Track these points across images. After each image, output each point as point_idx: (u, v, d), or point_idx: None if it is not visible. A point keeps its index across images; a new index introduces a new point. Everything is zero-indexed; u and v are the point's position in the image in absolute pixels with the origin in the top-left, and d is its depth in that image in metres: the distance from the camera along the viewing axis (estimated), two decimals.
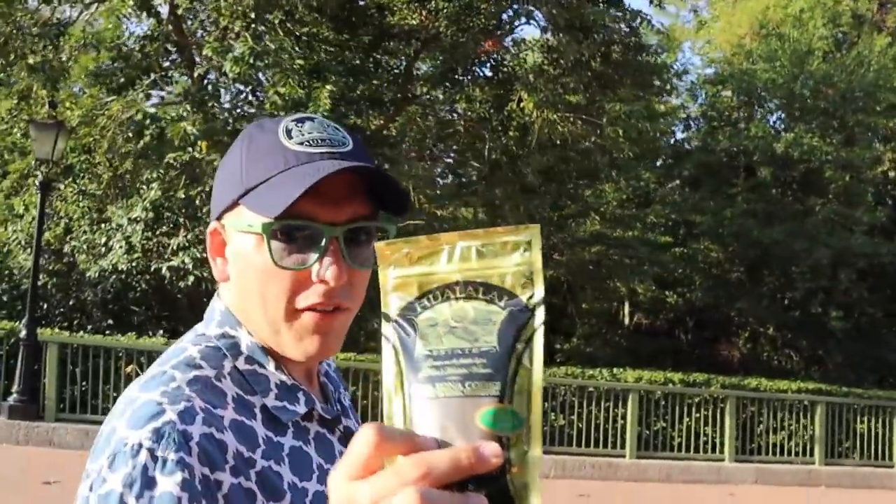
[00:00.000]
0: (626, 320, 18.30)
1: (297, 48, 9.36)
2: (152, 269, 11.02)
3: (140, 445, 0.76)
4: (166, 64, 10.56)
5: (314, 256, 0.84)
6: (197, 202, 10.71)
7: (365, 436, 0.48)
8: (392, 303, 0.54)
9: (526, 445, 0.50)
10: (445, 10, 10.04)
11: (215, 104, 9.74)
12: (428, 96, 12.04)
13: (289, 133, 0.87)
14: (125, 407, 0.81)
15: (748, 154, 16.11)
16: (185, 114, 9.62)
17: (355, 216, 0.86)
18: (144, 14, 9.69)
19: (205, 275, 10.11)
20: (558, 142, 11.23)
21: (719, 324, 17.34)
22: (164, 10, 9.98)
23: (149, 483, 0.74)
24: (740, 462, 10.40)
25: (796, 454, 10.81)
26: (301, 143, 0.86)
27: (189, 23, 10.74)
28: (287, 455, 0.85)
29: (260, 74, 9.85)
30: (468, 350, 0.51)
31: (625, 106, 12.04)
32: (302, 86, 8.81)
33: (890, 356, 15.17)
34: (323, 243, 0.84)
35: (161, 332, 10.89)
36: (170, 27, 9.94)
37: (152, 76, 9.83)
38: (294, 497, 0.83)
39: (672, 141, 18.10)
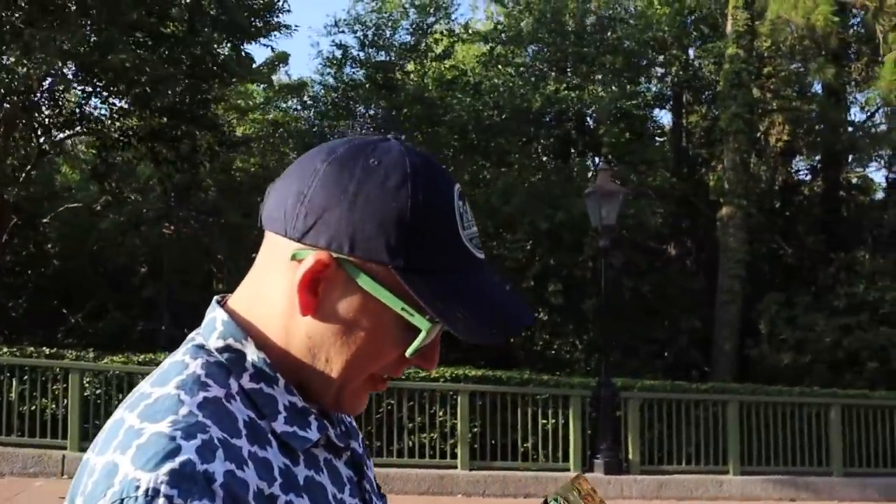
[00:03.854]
0: None
1: None
2: None
3: (157, 492, 0.66)
4: None
5: (427, 347, 0.80)
6: None
7: None
8: None
9: None
10: None
11: None
12: None
13: (462, 218, 0.78)
14: (126, 438, 0.71)
15: None
16: None
17: None
18: None
19: None
20: None
21: None
22: None
23: None
24: None
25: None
26: (470, 240, 0.79)
27: None
28: (303, 486, 0.78)
29: None
30: None
31: None
32: None
33: None
34: (437, 335, 0.80)
35: None
36: None
37: None
38: None
39: None
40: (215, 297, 0.86)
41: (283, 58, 16.33)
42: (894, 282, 12.87)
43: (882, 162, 16.75)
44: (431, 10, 15.51)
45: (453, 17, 16.23)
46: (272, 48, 13.80)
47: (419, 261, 0.75)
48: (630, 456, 9.88)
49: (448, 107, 13.42)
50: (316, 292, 0.77)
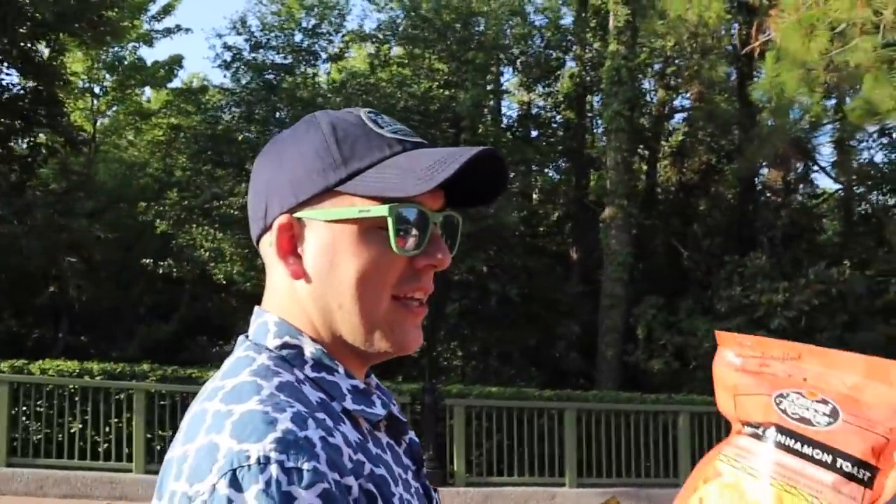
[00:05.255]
0: None
1: None
2: None
3: (268, 458, 0.69)
4: None
5: (423, 242, 0.83)
6: None
7: None
8: None
9: None
10: None
11: None
12: None
13: (376, 123, 0.86)
14: (216, 421, 0.74)
15: None
16: None
17: (444, 205, 0.87)
18: None
19: None
20: None
21: None
22: None
23: (288, 499, 0.68)
24: None
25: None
26: (395, 133, 0.85)
27: None
28: (376, 459, 0.82)
29: None
30: None
31: None
32: None
33: None
34: (429, 230, 0.83)
35: None
36: None
37: None
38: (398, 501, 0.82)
39: None
40: (257, 306, 0.90)
41: (177, 60, 16.05)
42: (773, 283, 12.36)
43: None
44: (317, 12, 15.16)
45: (348, 18, 15.85)
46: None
47: (348, 166, 0.82)
48: (455, 467, 9.43)
49: (317, 108, 13.04)
50: (298, 255, 0.85)
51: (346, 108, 0.89)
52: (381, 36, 14.72)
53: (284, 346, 0.84)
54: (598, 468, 9.81)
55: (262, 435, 0.70)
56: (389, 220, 0.80)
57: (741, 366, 1.12)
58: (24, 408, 9.13)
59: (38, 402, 9.16)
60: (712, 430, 9.94)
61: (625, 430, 9.85)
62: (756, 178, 16.49)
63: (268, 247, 0.86)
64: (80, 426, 9.15)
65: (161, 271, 15.39)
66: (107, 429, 9.21)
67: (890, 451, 0.98)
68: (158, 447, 9.23)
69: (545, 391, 10.39)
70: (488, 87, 14.18)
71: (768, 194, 15.22)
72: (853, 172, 15.43)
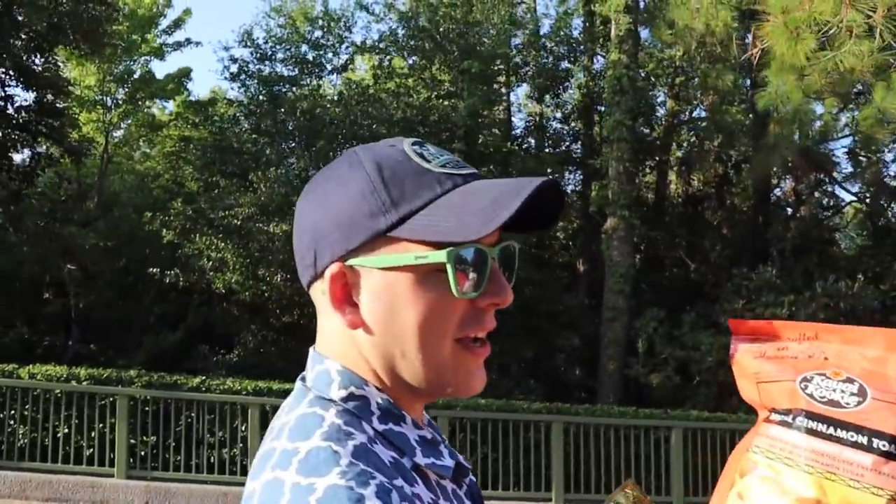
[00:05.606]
0: None
1: None
2: None
3: None
4: None
5: (482, 281, 0.80)
6: None
7: None
8: None
9: None
10: None
11: None
12: None
13: (422, 157, 0.82)
14: (296, 497, 0.71)
15: None
16: None
17: (500, 236, 0.83)
18: None
19: None
20: None
21: None
22: None
23: None
24: None
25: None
26: (443, 166, 0.81)
27: None
28: None
29: None
30: None
31: None
32: None
33: None
34: (488, 267, 0.80)
35: None
36: None
37: None
38: None
39: None
40: (312, 349, 0.88)
41: (185, 73, 16.31)
42: (779, 297, 11.99)
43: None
44: (322, 24, 15.27)
45: (354, 30, 15.91)
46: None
47: (399, 209, 0.78)
48: None
49: (318, 119, 13.08)
50: (354, 303, 0.81)
51: (388, 141, 0.84)
52: (382, 47, 14.76)
53: (350, 396, 0.82)
54: (587, 483, 9.55)
55: None
56: (448, 266, 0.77)
57: (760, 352, 1.11)
58: (12, 411, 9.23)
59: (26, 406, 9.25)
60: (706, 446, 9.63)
61: (615, 445, 9.59)
62: (773, 190, 16.13)
63: (320, 295, 0.83)
64: (67, 430, 9.21)
65: (168, 280, 15.57)
66: (92, 433, 9.26)
67: None
68: (142, 453, 9.25)
69: (535, 403, 10.18)
70: (492, 98, 14.07)
71: (782, 206, 14.84)
72: (870, 184, 14.96)
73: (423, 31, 13.46)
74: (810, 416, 1.02)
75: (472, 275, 0.79)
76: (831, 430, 1.00)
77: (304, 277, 0.85)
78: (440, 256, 0.77)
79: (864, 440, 0.97)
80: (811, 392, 1.03)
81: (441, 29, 13.42)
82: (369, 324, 0.81)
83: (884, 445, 0.97)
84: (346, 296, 0.81)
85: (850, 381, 1.02)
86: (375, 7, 15.34)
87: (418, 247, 0.78)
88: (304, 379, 0.86)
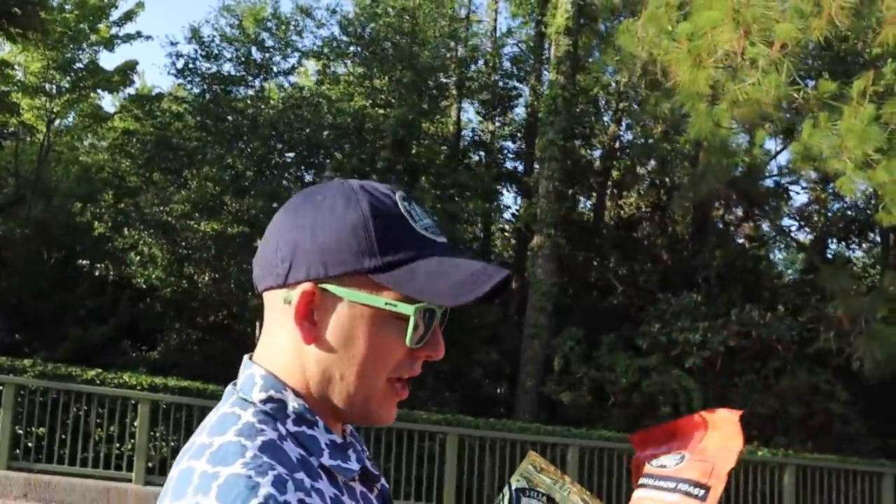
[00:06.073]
0: None
1: None
2: None
3: None
4: None
5: (427, 335, 0.90)
6: None
7: None
8: None
9: None
10: None
11: None
12: None
13: (410, 215, 0.90)
14: (203, 482, 0.78)
15: None
16: None
17: None
18: None
19: None
20: None
21: None
22: None
23: None
24: None
25: None
26: (426, 230, 0.90)
27: None
28: None
29: None
30: None
31: None
32: None
33: None
34: (434, 325, 0.90)
35: None
36: None
37: None
38: None
39: None
40: (246, 356, 0.95)
41: (131, 66, 16.20)
42: (695, 323, 12.12)
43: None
44: (270, 27, 15.30)
45: (304, 35, 15.94)
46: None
47: (383, 257, 0.86)
48: None
49: (256, 121, 13.08)
50: (313, 321, 0.88)
51: (382, 187, 0.91)
52: (326, 52, 14.82)
53: (269, 399, 0.89)
54: (480, 496, 9.53)
55: (245, 500, 0.75)
56: (412, 319, 0.86)
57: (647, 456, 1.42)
58: None
59: None
60: (603, 466, 9.66)
61: (510, 460, 9.58)
62: (713, 219, 16.32)
63: (282, 302, 0.89)
64: None
65: (98, 273, 15.40)
66: None
67: (717, 471, 1.24)
68: (28, 444, 9.10)
69: (434, 415, 10.16)
70: (426, 110, 14.13)
71: (712, 234, 15.02)
72: (800, 217, 15.19)
73: (361, 38, 13.57)
74: (646, 475, 1.34)
75: (421, 329, 0.89)
76: (654, 482, 1.31)
77: (265, 281, 0.91)
78: (408, 309, 0.86)
79: (673, 485, 1.27)
80: (652, 462, 1.36)
81: (380, 37, 13.56)
82: (323, 343, 0.88)
83: (685, 486, 1.26)
84: (308, 313, 0.88)
85: (681, 455, 1.32)
86: (317, 13, 15.40)
87: (390, 294, 0.86)
88: (234, 383, 0.93)
